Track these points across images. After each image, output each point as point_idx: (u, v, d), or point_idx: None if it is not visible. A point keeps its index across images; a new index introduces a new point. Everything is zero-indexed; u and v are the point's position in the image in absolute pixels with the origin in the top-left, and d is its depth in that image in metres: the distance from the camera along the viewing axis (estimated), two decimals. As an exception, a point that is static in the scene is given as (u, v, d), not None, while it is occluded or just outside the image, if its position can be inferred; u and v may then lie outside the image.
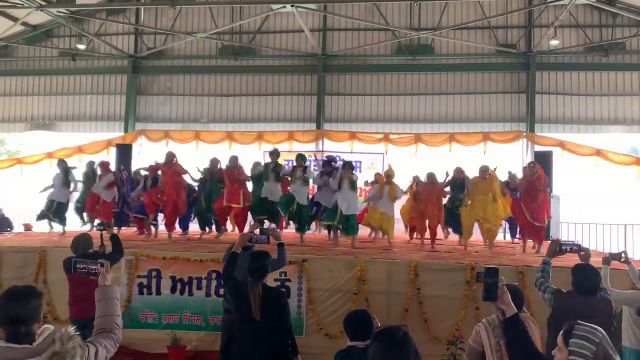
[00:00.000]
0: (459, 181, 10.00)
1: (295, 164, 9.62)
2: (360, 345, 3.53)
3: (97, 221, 9.11)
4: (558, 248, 4.23)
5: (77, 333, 2.32)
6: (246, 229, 9.79)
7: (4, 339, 2.17)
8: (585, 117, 15.37)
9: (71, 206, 11.16)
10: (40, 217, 10.68)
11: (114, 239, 5.61)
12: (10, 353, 2.09)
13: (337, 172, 9.42)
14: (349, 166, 9.33)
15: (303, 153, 10.13)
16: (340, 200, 8.93)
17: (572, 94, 15.43)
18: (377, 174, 11.47)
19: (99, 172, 10.88)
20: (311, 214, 9.82)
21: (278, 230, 4.94)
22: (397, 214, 10.40)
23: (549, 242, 4.42)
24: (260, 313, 3.85)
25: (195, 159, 11.99)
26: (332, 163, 10.18)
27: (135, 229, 11.39)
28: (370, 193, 10.41)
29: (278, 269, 4.93)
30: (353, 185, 9.10)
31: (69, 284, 5.49)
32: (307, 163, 9.72)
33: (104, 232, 5.80)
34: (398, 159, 14.12)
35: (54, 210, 10.51)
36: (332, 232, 9.76)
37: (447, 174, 9.90)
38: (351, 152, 14.73)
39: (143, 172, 11.17)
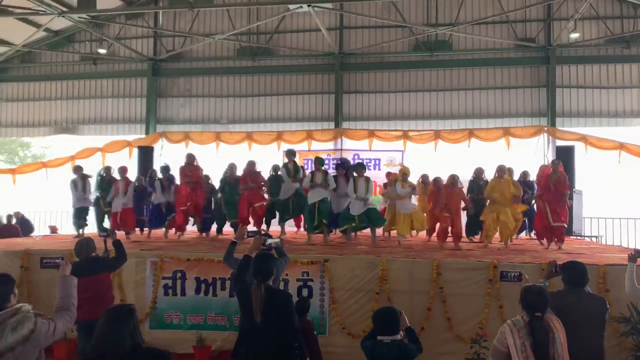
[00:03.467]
0: (477, 184, 10.00)
1: (314, 167, 9.66)
2: (386, 340, 3.79)
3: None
4: (554, 269, 4.23)
5: (31, 311, 2.96)
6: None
7: None
8: (607, 110, 15.14)
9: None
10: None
11: (117, 244, 5.80)
12: None
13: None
14: (361, 167, 9.39)
15: (320, 155, 10.18)
16: (352, 204, 9.00)
17: (593, 87, 15.21)
18: (388, 174, 11.52)
19: (117, 177, 10.94)
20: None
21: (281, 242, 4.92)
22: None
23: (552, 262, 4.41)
24: (262, 315, 3.82)
25: (215, 160, 12.15)
26: (346, 165, 10.11)
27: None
28: (386, 192, 10.47)
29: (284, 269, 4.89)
30: (368, 185, 9.13)
31: None
32: (326, 166, 9.73)
33: (107, 238, 6.05)
34: (417, 156, 14.12)
35: (80, 215, 10.80)
36: (347, 234, 9.71)
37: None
38: (370, 150, 14.75)
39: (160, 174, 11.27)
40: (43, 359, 3.09)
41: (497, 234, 9.64)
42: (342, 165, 9.94)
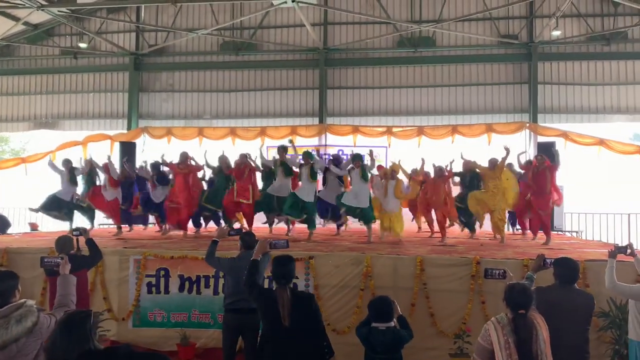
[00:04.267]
0: (469, 175, 10.01)
1: (302, 161, 9.62)
2: (381, 326, 4.05)
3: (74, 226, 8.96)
4: (542, 263, 4.30)
5: (34, 306, 3.11)
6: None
7: None
8: (588, 106, 15.36)
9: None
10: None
11: (90, 243, 5.76)
12: None
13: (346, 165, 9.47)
14: (358, 158, 9.33)
15: (309, 150, 10.12)
16: (348, 193, 9.03)
17: (574, 83, 15.43)
18: (380, 167, 11.48)
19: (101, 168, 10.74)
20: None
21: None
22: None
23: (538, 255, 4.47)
24: (290, 319, 3.77)
25: (199, 156, 12.04)
26: (339, 159, 10.11)
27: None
28: (375, 185, 10.46)
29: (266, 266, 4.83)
30: (364, 175, 9.08)
31: (49, 286, 5.71)
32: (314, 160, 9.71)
33: (79, 237, 5.99)
34: (401, 152, 14.15)
35: (56, 207, 10.57)
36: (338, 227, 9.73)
37: (451, 166, 9.88)
38: (354, 146, 14.74)
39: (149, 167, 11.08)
40: (42, 354, 3.14)
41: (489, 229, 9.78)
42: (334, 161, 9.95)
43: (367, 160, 9.67)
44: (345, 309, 6.86)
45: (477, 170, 9.63)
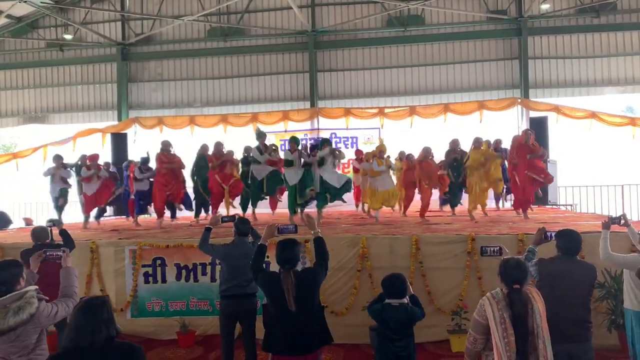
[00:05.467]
0: (457, 158, 10.08)
1: (289, 147, 9.57)
2: (394, 302, 4.05)
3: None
4: (543, 236, 4.30)
5: (37, 295, 3.22)
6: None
7: None
8: (579, 79, 15.33)
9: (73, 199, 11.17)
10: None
11: (64, 233, 5.89)
12: None
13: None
14: (327, 143, 9.44)
15: (296, 135, 10.13)
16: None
17: (565, 57, 15.37)
18: (358, 151, 11.66)
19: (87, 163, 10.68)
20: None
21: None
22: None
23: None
24: (295, 303, 3.73)
25: (191, 144, 11.99)
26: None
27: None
28: (364, 167, 10.55)
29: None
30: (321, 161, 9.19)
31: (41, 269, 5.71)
32: (301, 146, 9.71)
33: (53, 227, 6.10)
34: (394, 133, 14.14)
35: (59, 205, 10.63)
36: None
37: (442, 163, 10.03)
38: (347, 129, 14.72)
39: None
40: (44, 337, 3.32)
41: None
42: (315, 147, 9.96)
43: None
44: (342, 290, 6.89)
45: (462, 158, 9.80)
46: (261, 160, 9.73)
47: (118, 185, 11.03)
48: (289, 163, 9.36)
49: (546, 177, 9.17)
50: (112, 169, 11.42)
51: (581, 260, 4.13)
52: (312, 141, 11.02)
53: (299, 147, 9.50)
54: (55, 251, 3.99)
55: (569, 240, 4.11)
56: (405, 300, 4.12)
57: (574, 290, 3.92)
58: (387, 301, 4.11)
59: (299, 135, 13.53)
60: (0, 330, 3.06)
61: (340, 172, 9.49)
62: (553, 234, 4.26)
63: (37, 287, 3.35)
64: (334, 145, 10.01)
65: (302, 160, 9.29)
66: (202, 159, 10.48)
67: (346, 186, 9.30)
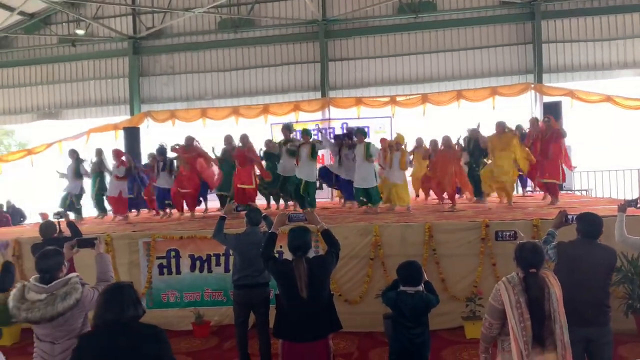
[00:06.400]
0: (473, 142, 9.89)
1: (302, 139, 9.53)
2: (410, 290, 4.02)
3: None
4: (564, 219, 4.24)
5: (80, 281, 3.40)
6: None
7: (38, 280, 3.37)
8: (593, 63, 15.05)
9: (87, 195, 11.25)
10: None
11: (71, 226, 5.99)
12: (35, 288, 3.31)
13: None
14: (362, 134, 9.26)
15: (308, 126, 10.08)
16: (356, 173, 9.06)
17: (579, 40, 15.09)
18: (382, 140, 11.44)
19: (112, 160, 10.70)
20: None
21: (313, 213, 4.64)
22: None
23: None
24: (307, 290, 3.73)
25: (203, 137, 12.02)
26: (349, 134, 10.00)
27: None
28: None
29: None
30: (367, 154, 8.92)
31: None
32: (314, 137, 9.66)
33: (61, 220, 6.21)
34: (406, 121, 14.04)
35: (69, 204, 10.64)
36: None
37: (458, 141, 9.68)
38: (358, 118, 14.64)
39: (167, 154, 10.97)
40: (87, 320, 3.50)
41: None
42: (348, 135, 9.89)
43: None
44: (356, 279, 6.88)
45: (484, 142, 9.41)
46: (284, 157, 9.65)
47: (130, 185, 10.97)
48: (292, 154, 9.31)
49: (541, 176, 8.95)
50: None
51: (601, 243, 4.06)
52: (318, 132, 10.90)
53: (312, 140, 9.44)
54: (88, 239, 4.18)
55: (590, 224, 4.05)
56: (421, 287, 4.09)
57: (593, 273, 3.87)
58: (402, 288, 4.08)
59: (311, 126, 13.52)
60: (50, 315, 3.21)
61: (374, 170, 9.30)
62: (574, 217, 4.20)
63: (78, 273, 3.53)
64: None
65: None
66: (226, 152, 10.42)
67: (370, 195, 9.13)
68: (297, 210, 8.23)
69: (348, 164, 9.69)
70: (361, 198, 9.23)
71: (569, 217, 4.24)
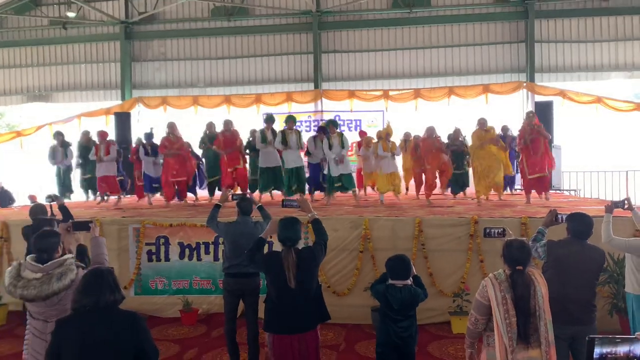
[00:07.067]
0: (457, 143, 10.07)
1: (286, 127, 9.47)
2: (398, 284, 4.06)
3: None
4: (554, 218, 4.29)
5: (74, 263, 3.48)
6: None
7: (34, 259, 3.43)
8: (585, 64, 15.18)
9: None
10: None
11: (63, 208, 5.93)
12: (31, 267, 3.39)
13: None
14: (332, 125, 9.40)
15: (300, 117, 10.05)
16: (331, 164, 9.13)
17: (572, 41, 15.21)
18: (362, 133, 11.61)
19: (97, 142, 10.62)
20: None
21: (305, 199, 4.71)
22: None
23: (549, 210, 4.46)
24: (296, 280, 3.72)
25: (195, 124, 11.98)
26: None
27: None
28: (364, 153, 10.56)
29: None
30: (342, 141, 9.13)
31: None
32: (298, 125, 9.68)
33: (52, 203, 6.16)
34: (398, 116, 14.08)
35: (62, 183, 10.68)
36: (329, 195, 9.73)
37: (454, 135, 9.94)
38: (351, 111, 14.67)
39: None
40: None
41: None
42: (322, 129, 9.89)
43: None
44: (344, 271, 6.92)
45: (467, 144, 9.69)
46: (259, 146, 9.58)
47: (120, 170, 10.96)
48: (284, 143, 9.28)
49: (531, 172, 9.03)
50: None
51: (590, 244, 4.12)
52: (311, 123, 10.89)
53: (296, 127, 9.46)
54: (83, 222, 4.26)
55: (581, 224, 4.09)
56: (409, 281, 4.13)
57: (582, 273, 3.91)
58: (390, 282, 4.11)
59: (303, 117, 13.51)
60: (45, 294, 3.29)
61: (348, 159, 9.40)
62: (564, 217, 4.26)
63: (73, 255, 3.65)
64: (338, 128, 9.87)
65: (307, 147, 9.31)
66: (209, 138, 10.41)
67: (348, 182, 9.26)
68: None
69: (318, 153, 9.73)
70: (336, 185, 9.25)
71: (560, 216, 4.29)
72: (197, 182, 10.76)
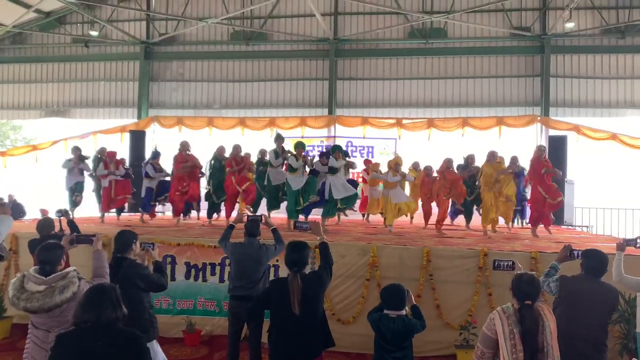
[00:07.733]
0: (472, 174, 10.10)
1: (295, 152, 9.52)
2: (392, 314, 4.00)
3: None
4: (569, 254, 4.24)
5: (77, 275, 3.48)
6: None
7: (37, 271, 3.47)
8: (600, 100, 15.15)
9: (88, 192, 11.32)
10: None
11: (71, 224, 6.08)
12: (34, 279, 3.41)
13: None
14: (337, 150, 9.43)
15: (314, 142, 10.11)
16: (333, 187, 9.10)
17: (587, 77, 15.21)
18: (367, 161, 11.62)
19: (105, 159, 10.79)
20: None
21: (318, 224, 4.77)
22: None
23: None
24: (300, 306, 3.70)
25: (208, 145, 12.06)
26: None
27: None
28: (373, 177, 10.58)
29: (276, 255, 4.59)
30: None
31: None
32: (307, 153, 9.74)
33: (62, 217, 6.27)
34: (411, 144, 14.12)
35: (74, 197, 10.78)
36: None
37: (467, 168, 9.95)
38: (363, 138, 14.72)
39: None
40: None
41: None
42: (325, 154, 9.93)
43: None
44: (350, 298, 6.84)
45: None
46: (275, 164, 9.69)
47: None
48: (292, 169, 9.32)
49: (553, 197, 9.00)
50: (126, 166, 11.47)
51: (604, 282, 4.04)
52: (322, 148, 10.93)
53: (304, 154, 9.50)
54: (86, 236, 4.30)
55: (596, 260, 4.05)
56: (404, 312, 4.06)
57: (594, 311, 3.85)
58: (385, 312, 4.06)
59: (316, 142, 13.56)
60: (48, 306, 3.31)
61: (347, 183, 9.43)
62: (579, 253, 4.20)
63: (75, 267, 3.62)
64: (347, 151, 9.93)
65: (307, 167, 9.30)
66: (218, 161, 10.52)
67: (351, 199, 9.28)
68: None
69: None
70: (339, 206, 9.30)
71: (574, 252, 4.24)
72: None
